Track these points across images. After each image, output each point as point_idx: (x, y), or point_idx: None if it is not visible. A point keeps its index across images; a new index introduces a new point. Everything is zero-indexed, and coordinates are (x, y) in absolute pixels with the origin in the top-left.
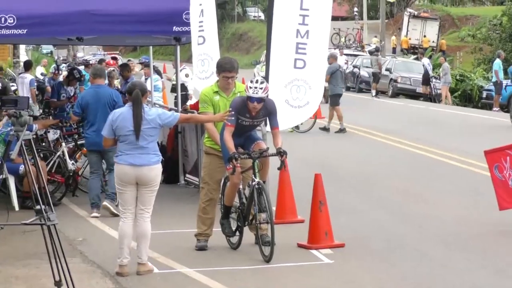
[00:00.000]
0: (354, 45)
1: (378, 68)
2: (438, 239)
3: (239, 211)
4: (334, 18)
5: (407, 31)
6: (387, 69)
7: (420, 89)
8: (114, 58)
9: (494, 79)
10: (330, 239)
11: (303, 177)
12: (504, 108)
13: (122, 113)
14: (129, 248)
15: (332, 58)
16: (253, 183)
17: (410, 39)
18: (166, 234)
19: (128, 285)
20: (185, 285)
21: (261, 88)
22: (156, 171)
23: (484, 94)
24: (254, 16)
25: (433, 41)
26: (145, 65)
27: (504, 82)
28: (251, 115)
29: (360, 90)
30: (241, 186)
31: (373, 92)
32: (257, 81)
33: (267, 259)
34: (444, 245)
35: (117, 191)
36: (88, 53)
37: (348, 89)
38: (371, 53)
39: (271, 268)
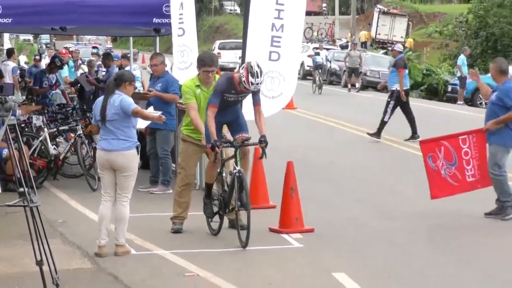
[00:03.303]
0: (326, 39)
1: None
2: (408, 230)
3: (221, 199)
4: (307, 13)
5: (377, 26)
6: None
7: None
8: (94, 48)
9: (458, 74)
10: (300, 224)
11: (277, 167)
12: (468, 101)
13: (98, 101)
14: (107, 230)
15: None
16: (234, 171)
17: (379, 34)
18: (143, 217)
19: (106, 266)
20: (161, 266)
21: (261, 82)
22: (126, 157)
23: (449, 88)
24: (230, 10)
25: (401, 37)
26: (123, 56)
27: (468, 77)
28: (237, 91)
29: (331, 83)
30: (224, 174)
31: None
32: (258, 76)
33: (244, 245)
34: (413, 236)
35: (99, 175)
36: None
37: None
38: (342, 47)
39: (244, 251)
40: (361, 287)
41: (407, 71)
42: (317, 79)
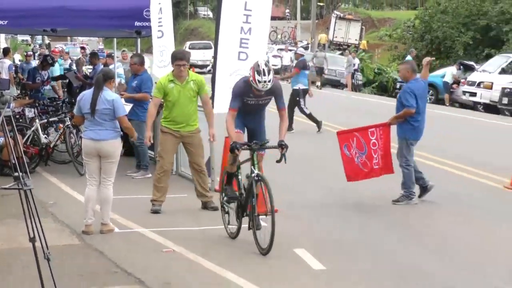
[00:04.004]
0: (288, 41)
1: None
2: (365, 211)
3: (238, 202)
4: (272, 18)
5: (334, 30)
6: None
7: (344, 80)
8: (82, 48)
9: None
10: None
11: (246, 157)
12: None
13: (86, 94)
14: (93, 211)
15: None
16: (252, 175)
17: (336, 37)
18: (126, 199)
19: (92, 242)
20: (141, 243)
21: (269, 81)
22: (113, 146)
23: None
24: (204, 14)
25: (355, 39)
26: (108, 55)
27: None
28: (254, 94)
29: None
30: (240, 177)
31: (312, 82)
32: (264, 73)
33: (265, 252)
34: (368, 216)
35: (84, 162)
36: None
37: (282, 79)
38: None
39: (215, 229)
40: (318, 261)
41: (306, 72)
42: None
